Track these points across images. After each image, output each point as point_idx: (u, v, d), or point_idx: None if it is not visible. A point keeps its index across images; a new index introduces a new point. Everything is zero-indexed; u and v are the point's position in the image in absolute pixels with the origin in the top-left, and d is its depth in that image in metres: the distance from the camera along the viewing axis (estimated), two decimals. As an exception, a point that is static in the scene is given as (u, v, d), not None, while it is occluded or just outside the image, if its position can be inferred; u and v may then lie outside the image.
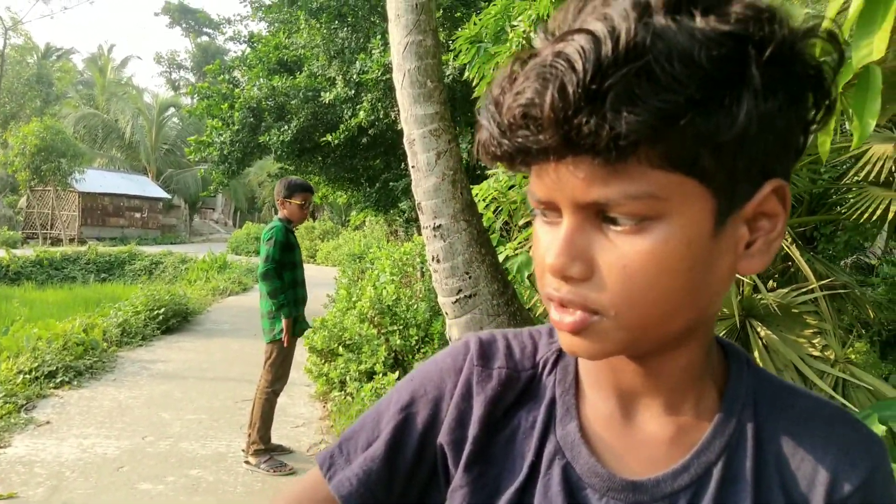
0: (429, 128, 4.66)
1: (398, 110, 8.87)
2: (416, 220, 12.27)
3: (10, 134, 28.72)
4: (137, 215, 35.87)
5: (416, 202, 4.88)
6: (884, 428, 1.79)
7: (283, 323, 4.23)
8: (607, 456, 0.63)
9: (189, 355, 7.70)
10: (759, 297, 3.94)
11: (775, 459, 0.60)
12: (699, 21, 0.47)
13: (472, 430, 0.66)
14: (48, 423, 5.09)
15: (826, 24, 0.55)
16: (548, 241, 0.55)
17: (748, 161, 0.51)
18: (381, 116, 9.21)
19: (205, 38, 56.49)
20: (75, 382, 6.19)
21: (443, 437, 0.67)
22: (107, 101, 40.03)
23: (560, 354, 0.68)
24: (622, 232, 0.51)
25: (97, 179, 32.91)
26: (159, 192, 37.46)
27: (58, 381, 6.10)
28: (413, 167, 4.85)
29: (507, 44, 3.81)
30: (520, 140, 0.50)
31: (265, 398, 4.33)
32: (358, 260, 15.64)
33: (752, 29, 0.48)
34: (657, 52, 0.46)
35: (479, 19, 4.55)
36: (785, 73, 0.49)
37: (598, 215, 0.52)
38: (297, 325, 4.37)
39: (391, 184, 10.70)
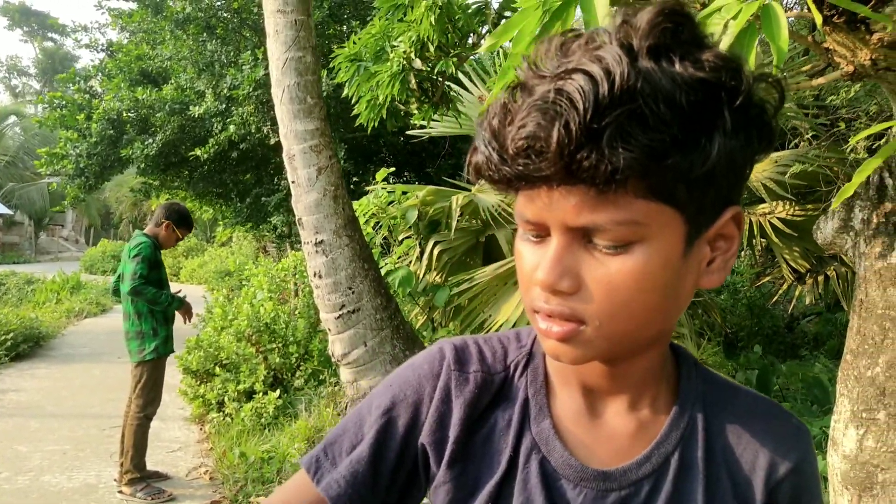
0: (309, 143, 4.67)
1: (270, 125, 8.75)
2: (290, 235, 12.07)
3: None
4: (-28, 233, 32.74)
5: (297, 218, 4.87)
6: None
7: (180, 313, 4.29)
8: (579, 449, 0.71)
9: (45, 383, 7.16)
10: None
11: (722, 449, 0.71)
12: (678, 66, 0.54)
13: (453, 430, 0.72)
14: None
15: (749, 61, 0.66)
16: (535, 258, 0.62)
17: (715, 192, 0.59)
18: (252, 131, 9.02)
19: (50, 44, 52.69)
20: (-88, 418, 5.61)
21: (424, 438, 0.73)
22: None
23: (529, 358, 0.75)
24: (606, 252, 0.58)
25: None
26: (-1, 208, 34.36)
27: None
28: (293, 182, 4.84)
29: (388, 63, 3.89)
30: (521, 168, 0.56)
31: (138, 424, 4.14)
32: (226, 277, 15.14)
33: (724, 77, 0.55)
34: (645, 94, 0.52)
35: (359, 38, 4.62)
36: (746, 114, 0.57)
37: (584, 236, 0.59)
38: (167, 346, 4.22)
39: (263, 199, 10.48)
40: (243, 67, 8.40)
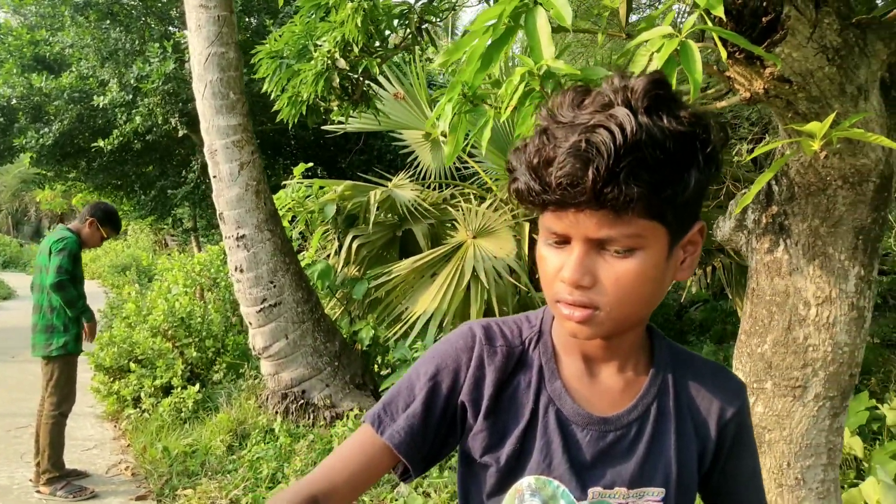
0: (232, 139, 4.71)
1: (179, 117, 8.56)
2: (197, 229, 11.81)
3: None
4: None
5: (218, 212, 4.89)
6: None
7: (86, 326, 4.13)
8: (583, 402, 0.93)
9: (-64, 385, 6.78)
10: (533, 294, 4.53)
11: (686, 400, 0.96)
12: (666, 121, 0.76)
13: (487, 390, 0.93)
14: None
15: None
16: (558, 260, 0.83)
17: (689, 212, 0.82)
18: (159, 122, 8.79)
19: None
20: None
21: (464, 397, 0.93)
22: None
23: (540, 334, 0.97)
24: (616, 257, 0.80)
25: None
26: None
27: None
28: (215, 177, 4.86)
29: (313, 62, 3.99)
30: (558, 196, 0.76)
31: (53, 422, 4.07)
32: (124, 272, 14.57)
33: (698, 130, 0.77)
34: (647, 143, 0.74)
35: (280, 35, 4.69)
36: (711, 156, 0.79)
37: (597, 244, 0.80)
38: (77, 344, 4.17)
39: (169, 191, 10.20)
40: (151, 59, 8.17)
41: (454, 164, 6.87)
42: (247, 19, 9.35)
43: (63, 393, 4.11)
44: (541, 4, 1.51)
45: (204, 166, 9.52)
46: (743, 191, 1.89)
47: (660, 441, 0.93)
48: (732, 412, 0.96)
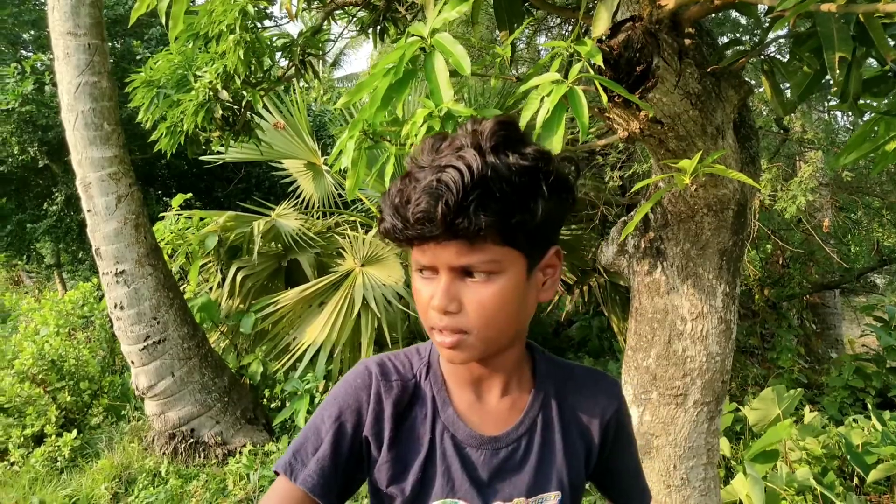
0: (107, 171, 4.53)
1: (38, 146, 8.03)
2: (60, 265, 11.05)
3: None
4: None
5: (94, 248, 4.68)
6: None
7: None
8: (474, 425, 1.02)
9: None
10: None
11: (570, 408, 1.06)
12: (511, 158, 0.85)
13: (387, 423, 1.00)
14: None
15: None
16: (429, 290, 0.90)
17: (542, 239, 0.91)
18: (15, 152, 8.22)
19: None
20: None
21: (367, 431, 1.00)
22: None
23: (429, 367, 1.05)
24: (478, 282, 0.88)
25: None
26: None
27: None
28: (89, 212, 4.64)
29: (195, 92, 3.93)
30: (418, 231, 0.85)
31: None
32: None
33: (540, 164, 0.87)
34: (493, 178, 0.82)
35: (156, 63, 4.57)
36: (557, 186, 0.88)
37: (461, 272, 0.88)
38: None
39: (28, 226, 9.51)
40: (7, 81, 7.65)
41: (336, 192, 6.89)
42: (112, 43, 8.96)
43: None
44: (440, 52, 1.62)
45: (68, 198, 8.99)
46: (623, 219, 2.09)
47: (548, 450, 1.03)
48: (612, 412, 1.07)
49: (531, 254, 0.90)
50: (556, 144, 1.51)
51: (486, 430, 1.01)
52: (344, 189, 6.68)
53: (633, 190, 2.17)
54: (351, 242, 5.96)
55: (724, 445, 4.03)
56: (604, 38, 1.66)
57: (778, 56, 2.01)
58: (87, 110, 4.43)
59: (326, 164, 6.62)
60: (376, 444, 1.00)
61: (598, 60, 1.50)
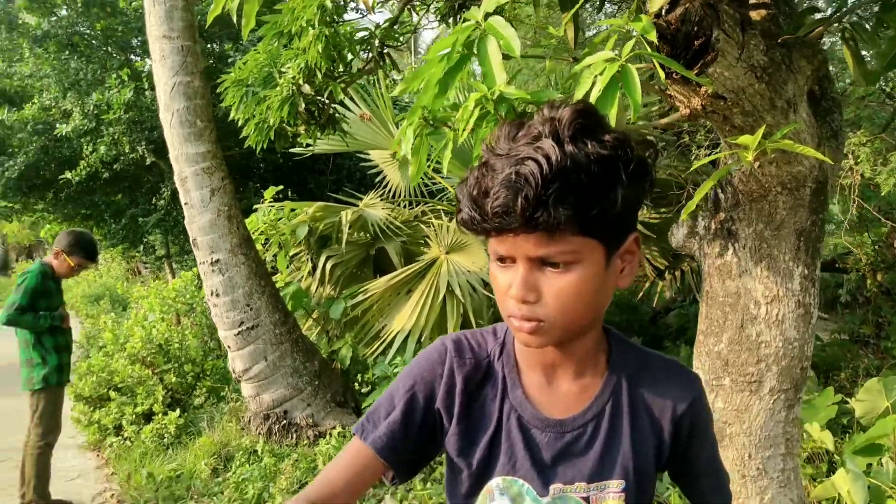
0: (201, 165, 4.77)
1: (145, 145, 8.54)
2: (170, 255, 11.76)
3: None
4: None
5: (192, 238, 4.94)
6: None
7: (62, 319, 4.13)
8: (542, 407, 1.02)
9: None
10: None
11: (641, 396, 1.04)
12: (590, 147, 0.83)
13: (458, 398, 1.03)
14: None
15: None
16: (507, 279, 0.91)
17: (621, 226, 0.90)
18: (126, 151, 8.78)
19: None
20: None
21: (439, 404, 1.03)
22: None
23: (503, 347, 1.06)
24: (556, 272, 0.88)
25: None
26: None
27: None
28: (186, 204, 4.91)
29: (279, 88, 4.07)
30: (496, 224, 0.85)
31: (39, 452, 4.08)
32: (98, 301, 14.41)
33: (620, 152, 0.85)
34: (571, 169, 0.81)
35: (244, 63, 4.76)
36: (636, 172, 0.87)
37: (539, 262, 0.88)
38: (60, 376, 4.16)
39: (140, 219, 10.17)
40: (110, 89, 8.18)
41: (423, 181, 6.97)
42: (208, 46, 9.40)
43: (49, 425, 4.13)
44: (491, 34, 1.62)
45: (174, 193, 9.51)
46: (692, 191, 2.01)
47: (615, 437, 1.01)
48: (685, 407, 1.03)
49: (610, 242, 0.90)
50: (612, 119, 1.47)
51: (554, 412, 1.02)
52: (428, 178, 6.76)
53: (692, 168, 2.09)
54: (436, 230, 6.02)
55: (827, 439, 3.83)
56: (662, 12, 1.61)
57: (861, 23, 1.89)
58: (182, 108, 4.68)
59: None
60: (447, 416, 1.03)
61: (652, 36, 1.45)
